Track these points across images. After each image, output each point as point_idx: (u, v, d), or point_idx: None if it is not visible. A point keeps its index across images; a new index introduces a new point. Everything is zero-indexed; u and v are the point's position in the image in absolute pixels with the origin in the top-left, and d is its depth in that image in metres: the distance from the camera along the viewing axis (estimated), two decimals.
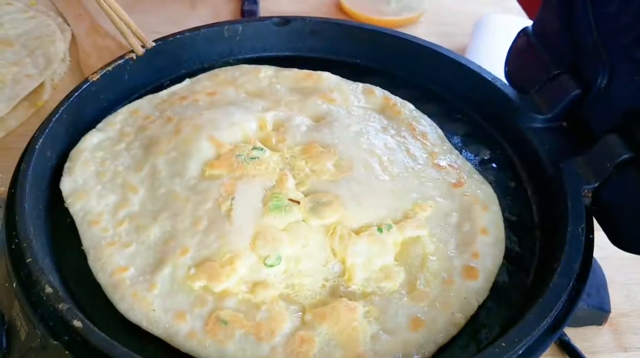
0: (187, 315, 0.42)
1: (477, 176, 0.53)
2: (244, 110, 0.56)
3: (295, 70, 0.62)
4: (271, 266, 0.44)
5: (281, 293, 0.44)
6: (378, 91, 0.61)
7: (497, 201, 0.51)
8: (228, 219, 0.46)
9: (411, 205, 0.49)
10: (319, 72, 0.62)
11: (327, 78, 0.62)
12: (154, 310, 0.42)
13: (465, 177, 0.52)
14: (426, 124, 0.58)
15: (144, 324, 0.41)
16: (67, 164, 0.51)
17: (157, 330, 0.41)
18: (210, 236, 0.45)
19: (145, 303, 0.42)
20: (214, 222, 0.46)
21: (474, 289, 0.44)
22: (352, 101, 0.60)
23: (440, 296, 0.44)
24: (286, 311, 0.42)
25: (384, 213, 0.48)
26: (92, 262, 0.45)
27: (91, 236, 0.47)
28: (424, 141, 0.56)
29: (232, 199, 0.47)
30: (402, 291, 0.44)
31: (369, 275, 0.45)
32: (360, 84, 0.62)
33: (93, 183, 0.50)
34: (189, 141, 0.52)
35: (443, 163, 0.54)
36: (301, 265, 0.45)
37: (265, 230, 0.46)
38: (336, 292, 0.44)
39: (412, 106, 0.60)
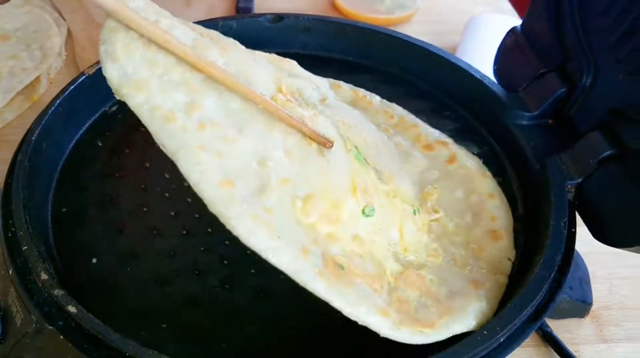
0: (307, 249, 0.38)
1: (461, 148, 0.56)
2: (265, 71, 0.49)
3: (267, 54, 0.57)
4: (368, 216, 0.43)
5: (370, 250, 0.43)
6: (344, 85, 0.61)
7: (485, 167, 0.54)
8: (322, 156, 0.43)
9: (420, 193, 0.51)
10: (288, 60, 0.58)
11: (297, 66, 0.58)
12: (279, 237, 0.38)
13: (454, 150, 0.55)
14: (399, 109, 0.59)
15: (269, 254, 0.37)
16: (102, 48, 0.41)
17: (281, 262, 0.37)
18: (308, 169, 0.42)
19: (270, 229, 0.38)
20: (307, 157, 0.43)
21: (502, 249, 0.47)
22: (328, 93, 0.58)
23: (477, 264, 0.46)
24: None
25: (412, 195, 0.50)
26: (186, 166, 0.38)
27: (173, 134, 0.39)
28: (403, 124, 0.57)
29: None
30: (449, 262, 0.46)
31: (418, 249, 0.47)
32: (326, 79, 0.60)
33: (146, 73, 0.41)
34: (248, 61, 0.46)
35: (431, 142, 0.55)
36: (380, 223, 0.44)
37: (358, 177, 0.44)
38: (398, 258, 0.45)
39: (378, 97, 0.61)
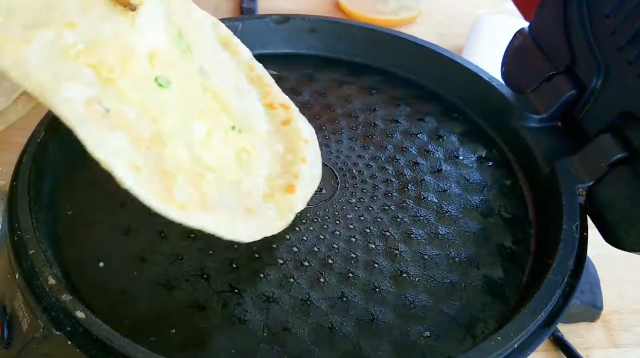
0: (67, 83, 0.36)
1: (302, 118, 0.57)
2: None
3: None
4: (161, 87, 0.42)
5: (155, 116, 0.42)
6: (223, 26, 0.59)
7: (315, 135, 0.55)
8: (124, 17, 0.41)
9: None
10: None
11: None
12: (29, 61, 0.35)
13: (293, 115, 0.55)
14: (263, 70, 0.59)
15: (14, 74, 0.35)
16: None
17: (29, 83, 0.35)
18: (104, 23, 0.40)
19: (18, 52, 0.35)
20: (107, 14, 0.41)
21: (291, 201, 0.48)
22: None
23: (264, 205, 0.47)
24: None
25: (238, 113, 0.51)
26: None
27: None
28: (259, 81, 0.58)
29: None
30: (238, 186, 0.46)
31: (218, 159, 0.46)
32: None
33: None
34: None
35: (275, 103, 0.56)
36: (179, 105, 0.43)
37: (162, 49, 0.43)
38: (191, 149, 0.44)
39: (249, 52, 0.59)
